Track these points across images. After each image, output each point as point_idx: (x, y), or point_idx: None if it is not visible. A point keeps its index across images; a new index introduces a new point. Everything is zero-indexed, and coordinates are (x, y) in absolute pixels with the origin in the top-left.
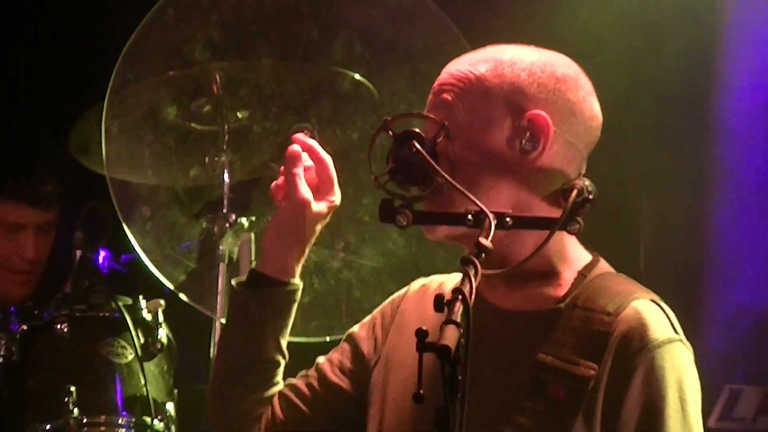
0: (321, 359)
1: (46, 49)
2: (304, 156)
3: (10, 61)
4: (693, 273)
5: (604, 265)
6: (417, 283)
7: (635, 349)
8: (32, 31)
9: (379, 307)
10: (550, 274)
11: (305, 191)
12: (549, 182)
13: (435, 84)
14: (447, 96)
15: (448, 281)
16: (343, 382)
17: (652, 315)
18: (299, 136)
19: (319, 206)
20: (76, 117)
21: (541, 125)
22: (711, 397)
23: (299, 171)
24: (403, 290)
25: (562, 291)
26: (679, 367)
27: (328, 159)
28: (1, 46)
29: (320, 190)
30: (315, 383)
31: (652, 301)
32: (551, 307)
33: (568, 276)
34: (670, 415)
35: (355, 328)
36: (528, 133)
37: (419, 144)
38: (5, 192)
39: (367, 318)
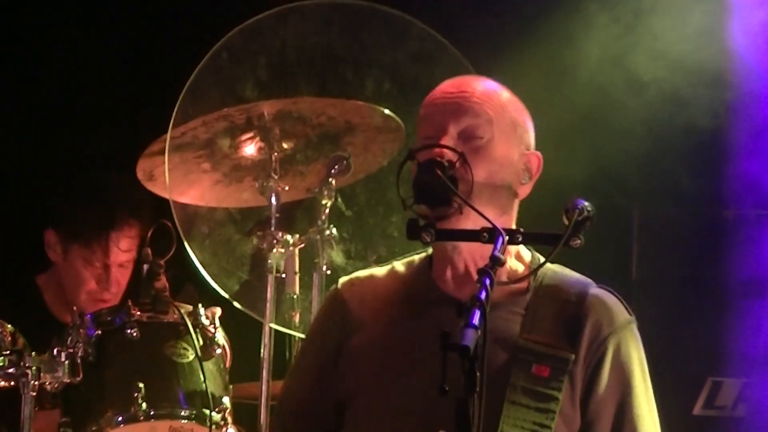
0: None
1: (114, 88)
2: None
3: (83, 104)
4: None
5: (537, 255)
6: (345, 284)
7: (605, 334)
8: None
9: (315, 330)
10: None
11: None
12: (516, 210)
13: (461, 96)
14: (486, 114)
15: (374, 273)
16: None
17: (613, 302)
18: None
19: None
20: (144, 148)
21: (538, 166)
22: (695, 389)
23: None
24: (325, 302)
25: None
26: (638, 343)
27: None
28: (76, 93)
29: None
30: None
31: (602, 287)
32: (519, 294)
33: (514, 266)
34: (636, 385)
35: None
36: (525, 169)
37: (441, 171)
38: (91, 235)
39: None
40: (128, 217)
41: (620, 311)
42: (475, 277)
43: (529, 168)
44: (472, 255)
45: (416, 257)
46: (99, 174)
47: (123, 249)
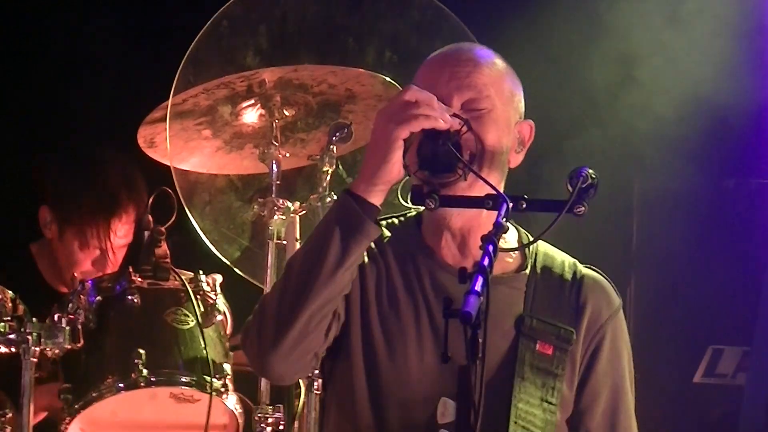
0: None
1: (115, 56)
2: None
3: (82, 71)
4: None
5: (523, 231)
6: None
7: (604, 318)
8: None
9: None
10: None
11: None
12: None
13: (463, 67)
14: (484, 87)
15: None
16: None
17: (607, 284)
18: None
19: None
20: (144, 115)
21: (530, 135)
22: (696, 357)
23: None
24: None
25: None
26: (626, 326)
27: None
28: (77, 67)
29: None
30: None
31: (591, 268)
32: (516, 271)
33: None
34: (625, 366)
35: None
36: (518, 138)
37: (445, 138)
38: (87, 221)
39: None
40: (127, 203)
41: (615, 295)
42: (471, 245)
43: (522, 137)
44: (470, 223)
45: (395, 219)
46: (97, 153)
47: (121, 235)
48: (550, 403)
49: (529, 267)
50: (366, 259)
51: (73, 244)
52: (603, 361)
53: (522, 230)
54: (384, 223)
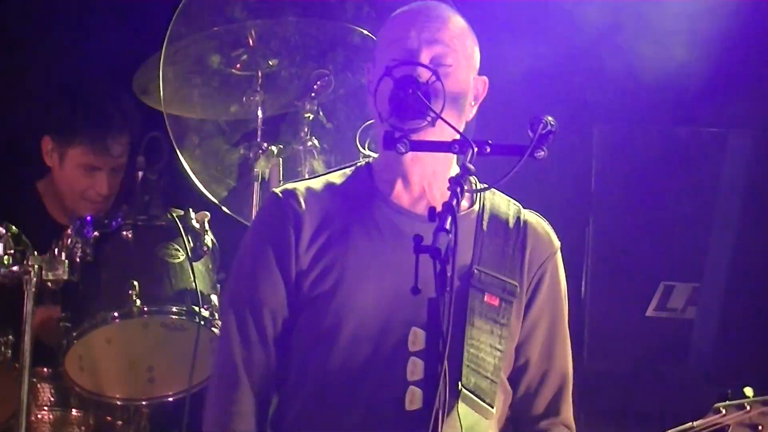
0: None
1: (109, 8)
2: None
3: (81, 22)
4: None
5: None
6: (285, 193)
7: (543, 258)
8: None
9: (265, 232)
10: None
11: None
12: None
13: (430, 24)
14: (451, 44)
15: (310, 184)
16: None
17: (547, 227)
18: None
19: None
20: (138, 65)
21: (484, 90)
22: (649, 291)
23: None
24: (270, 209)
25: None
26: (563, 267)
27: None
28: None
29: None
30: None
31: (531, 212)
32: (464, 212)
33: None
34: (563, 301)
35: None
36: (475, 93)
37: (415, 87)
38: (85, 140)
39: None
40: (121, 124)
41: (554, 237)
42: (426, 189)
43: (477, 91)
44: (428, 167)
45: (347, 170)
46: (93, 83)
47: (115, 154)
48: (498, 349)
49: (477, 207)
50: (309, 224)
51: (72, 167)
52: (542, 297)
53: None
54: (338, 173)
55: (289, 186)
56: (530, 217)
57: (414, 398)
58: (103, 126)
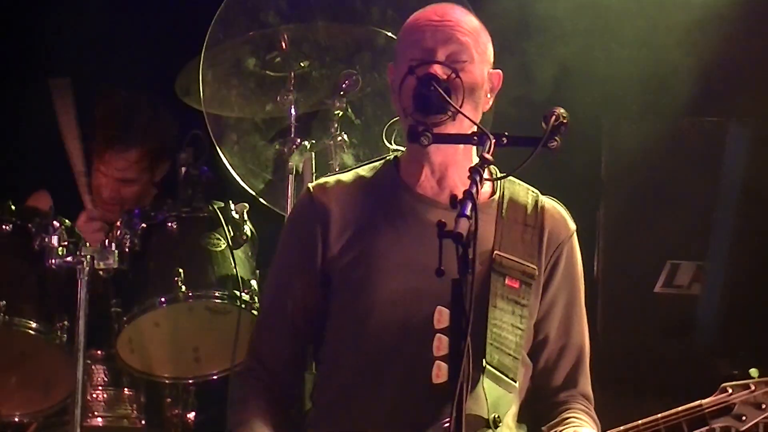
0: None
1: (153, 17)
2: None
3: (125, 33)
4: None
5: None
6: (317, 188)
7: (561, 239)
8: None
9: (286, 236)
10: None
11: None
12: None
13: (446, 24)
14: (466, 42)
15: (341, 178)
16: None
17: (564, 212)
18: None
19: None
20: (180, 68)
21: (499, 82)
22: (656, 270)
23: None
24: (300, 205)
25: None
26: (579, 249)
27: None
28: (119, 16)
29: None
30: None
31: (549, 197)
32: (486, 201)
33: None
34: (579, 281)
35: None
36: (490, 86)
37: (436, 84)
38: (94, 148)
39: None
40: (128, 141)
41: (570, 221)
42: (448, 179)
43: (493, 84)
44: (449, 158)
45: (377, 163)
46: (126, 96)
47: (118, 167)
48: (519, 328)
49: (497, 195)
50: (338, 216)
51: (95, 172)
52: (559, 276)
53: (491, 166)
54: (368, 167)
55: (321, 181)
56: (547, 203)
57: (440, 372)
58: (103, 142)
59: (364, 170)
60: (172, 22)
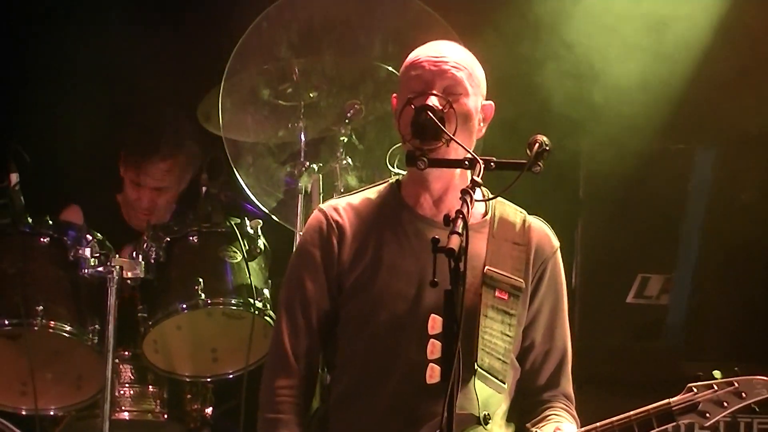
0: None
1: (174, 51)
2: None
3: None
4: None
5: (484, 189)
6: (328, 209)
7: (546, 255)
8: (167, 35)
9: (304, 249)
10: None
11: None
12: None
13: (442, 60)
14: (460, 77)
15: (350, 200)
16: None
17: (548, 230)
18: None
19: None
20: (202, 96)
21: (491, 113)
22: (629, 282)
23: None
24: (317, 222)
25: (475, 208)
26: (562, 265)
27: None
28: (143, 50)
29: None
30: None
31: (535, 217)
32: (479, 220)
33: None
34: (564, 296)
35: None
36: (483, 116)
37: (432, 113)
38: (130, 160)
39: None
40: (164, 151)
41: (554, 238)
42: (445, 201)
43: (486, 115)
44: (446, 182)
45: (380, 187)
46: (158, 110)
47: (155, 177)
48: (507, 335)
49: (489, 215)
50: (348, 233)
51: (127, 182)
52: (544, 288)
53: (483, 188)
54: (373, 189)
55: (333, 202)
56: (534, 222)
57: (433, 374)
58: (140, 153)
59: (370, 192)
60: (193, 54)
